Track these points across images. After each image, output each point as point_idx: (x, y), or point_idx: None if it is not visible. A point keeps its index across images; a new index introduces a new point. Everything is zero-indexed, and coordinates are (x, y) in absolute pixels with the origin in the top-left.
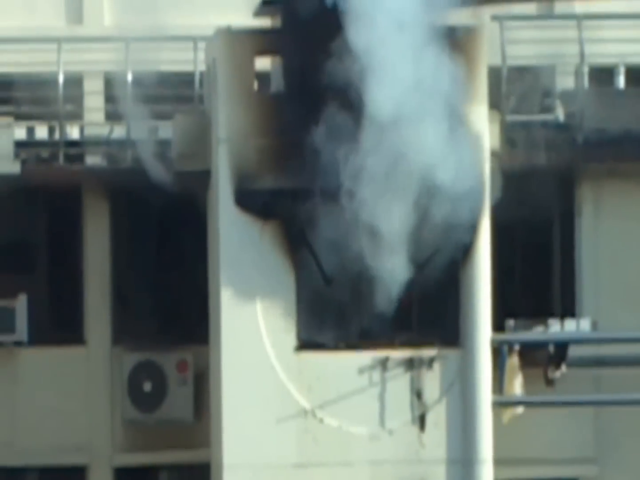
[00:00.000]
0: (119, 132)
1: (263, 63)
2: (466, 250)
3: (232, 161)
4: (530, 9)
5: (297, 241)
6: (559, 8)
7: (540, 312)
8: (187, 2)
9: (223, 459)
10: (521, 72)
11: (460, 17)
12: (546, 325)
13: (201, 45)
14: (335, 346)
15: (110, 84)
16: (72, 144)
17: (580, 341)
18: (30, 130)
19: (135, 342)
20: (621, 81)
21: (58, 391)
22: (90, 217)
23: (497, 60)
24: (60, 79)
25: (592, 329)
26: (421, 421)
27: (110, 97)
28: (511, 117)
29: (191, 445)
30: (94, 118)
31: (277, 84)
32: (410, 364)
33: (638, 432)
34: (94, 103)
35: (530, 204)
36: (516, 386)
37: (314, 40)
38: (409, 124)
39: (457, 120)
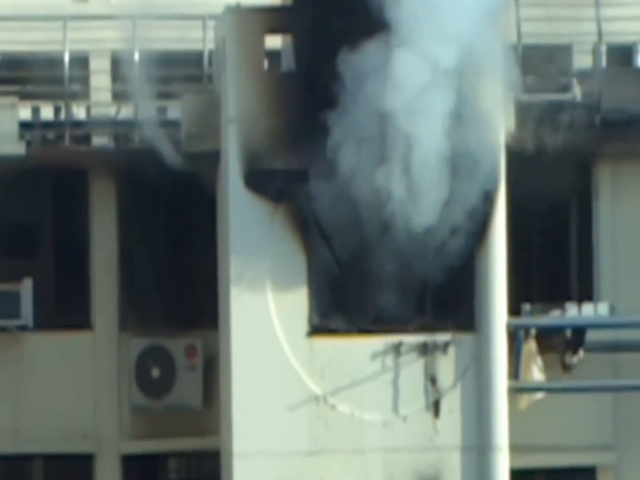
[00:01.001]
0: (126, 112)
1: (273, 41)
2: (482, 232)
3: (242, 142)
4: None
5: (308, 224)
6: None
7: (557, 296)
8: None
9: (233, 447)
10: (537, 50)
11: None
12: (563, 309)
13: (210, 23)
14: (347, 331)
15: (117, 63)
16: (78, 124)
17: (598, 326)
18: (36, 111)
19: (142, 326)
20: None
21: (64, 377)
22: (96, 199)
23: (512, 38)
24: (66, 57)
25: (610, 313)
26: (435, 407)
27: (117, 77)
28: (526, 97)
29: (200, 432)
30: (100, 98)
31: (288, 63)
32: (424, 349)
33: None
34: (100, 82)
35: (546, 186)
36: (535, 371)
37: (326, 18)
38: (423, 104)
39: (471, 100)
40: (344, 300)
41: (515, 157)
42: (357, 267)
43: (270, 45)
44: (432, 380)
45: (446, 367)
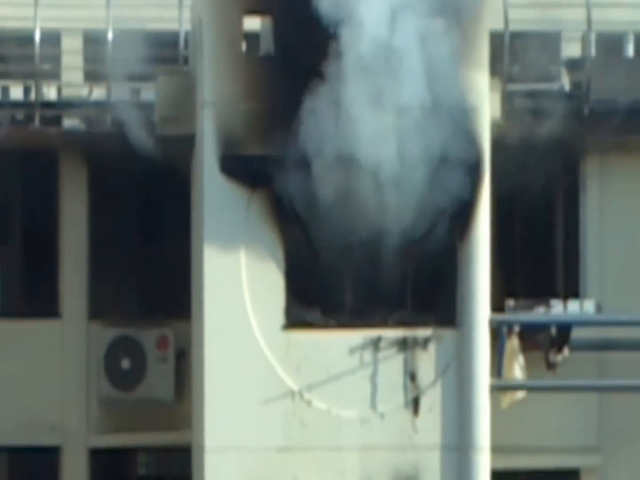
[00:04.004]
0: (98, 93)
1: (252, 23)
2: (464, 225)
3: (218, 126)
4: None
5: (286, 212)
6: None
7: (542, 292)
8: None
9: (204, 442)
10: (524, 37)
11: None
12: (548, 306)
13: (187, 2)
14: (325, 324)
15: (89, 42)
16: (49, 105)
17: (583, 323)
18: (4, 90)
19: (113, 316)
20: (630, 49)
21: (30, 367)
22: (67, 184)
23: (498, 25)
24: (37, 35)
25: (596, 311)
26: (415, 405)
27: (89, 56)
28: (513, 86)
29: (171, 426)
30: (72, 78)
31: (266, 46)
32: (404, 344)
33: None
34: (72, 62)
35: (532, 178)
36: (516, 369)
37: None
38: (402, 90)
39: (454, 87)
40: (322, 293)
41: (500, 148)
42: (336, 258)
43: (248, 27)
44: (411, 376)
45: (426, 363)
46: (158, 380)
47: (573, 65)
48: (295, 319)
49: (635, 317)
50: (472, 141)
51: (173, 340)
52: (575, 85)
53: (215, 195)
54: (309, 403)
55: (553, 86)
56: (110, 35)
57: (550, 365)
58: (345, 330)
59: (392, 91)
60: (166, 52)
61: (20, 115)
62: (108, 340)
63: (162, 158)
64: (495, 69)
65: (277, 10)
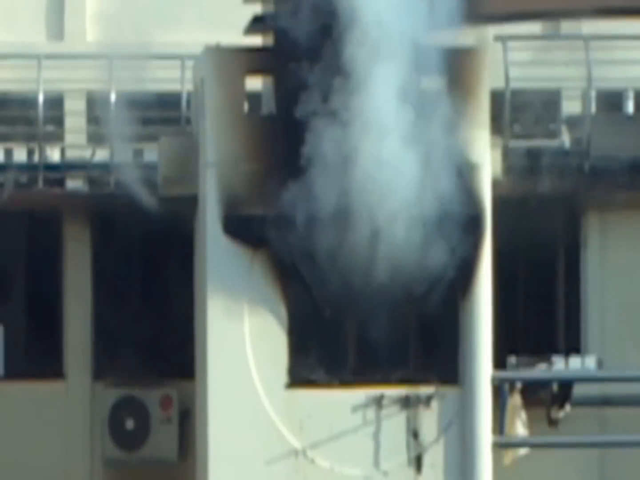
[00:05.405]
0: (101, 155)
1: (254, 83)
2: (466, 283)
3: (220, 186)
4: (535, 29)
5: (288, 271)
6: (565, 28)
7: (544, 349)
8: (174, 19)
9: None
10: (525, 95)
11: (462, 37)
12: (549, 362)
13: (189, 63)
14: (328, 383)
15: (92, 103)
16: (52, 167)
17: (585, 379)
18: (8, 153)
19: (117, 377)
20: (630, 106)
21: (35, 428)
22: (70, 244)
23: (499, 83)
24: (40, 98)
25: (597, 367)
26: (417, 463)
27: (92, 118)
28: (514, 143)
29: None
30: (75, 140)
31: (268, 105)
32: (407, 402)
33: None
34: (75, 124)
35: (533, 235)
36: (518, 426)
37: (308, 59)
38: (405, 151)
39: (456, 147)
40: (325, 351)
41: (502, 205)
42: (338, 317)
43: (250, 87)
44: (414, 434)
45: (429, 421)
46: (162, 441)
47: (573, 122)
48: (298, 378)
49: (636, 373)
50: (473, 198)
51: (177, 400)
52: (576, 142)
53: (218, 255)
54: (312, 461)
55: (554, 143)
56: (112, 97)
57: (552, 422)
58: (348, 388)
59: (392, 150)
60: (168, 113)
61: (23, 177)
62: (112, 401)
63: (165, 219)
64: (496, 126)
65: (279, 69)
